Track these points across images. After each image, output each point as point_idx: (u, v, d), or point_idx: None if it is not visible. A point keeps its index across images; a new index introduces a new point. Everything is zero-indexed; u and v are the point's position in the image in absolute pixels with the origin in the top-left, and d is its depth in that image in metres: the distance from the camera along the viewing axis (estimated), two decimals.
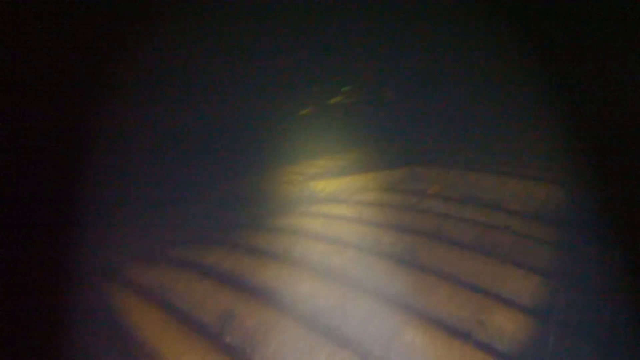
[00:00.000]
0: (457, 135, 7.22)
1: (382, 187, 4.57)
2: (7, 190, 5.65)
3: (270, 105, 8.64)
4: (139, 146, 6.73)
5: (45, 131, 6.32)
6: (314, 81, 9.27)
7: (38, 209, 5.36)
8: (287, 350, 2.56)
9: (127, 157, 6.15)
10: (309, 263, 3.24)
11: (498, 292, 2.73)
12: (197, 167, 6.92)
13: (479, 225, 3.51)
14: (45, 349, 3.11)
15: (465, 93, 8.60)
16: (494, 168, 4.50)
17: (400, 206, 4.01)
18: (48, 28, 6.54)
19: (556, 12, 8.06)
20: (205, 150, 7.45)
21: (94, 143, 5.95)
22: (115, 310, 3.14)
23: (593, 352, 2.22)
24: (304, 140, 7.93)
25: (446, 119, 8.42)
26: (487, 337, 2.42)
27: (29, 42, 6.53)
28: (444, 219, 3.62)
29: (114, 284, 3.48)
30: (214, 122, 8.02)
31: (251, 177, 6.26)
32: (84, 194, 5.11)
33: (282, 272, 3.12)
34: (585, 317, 2.46)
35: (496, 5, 8.21)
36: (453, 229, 3.45)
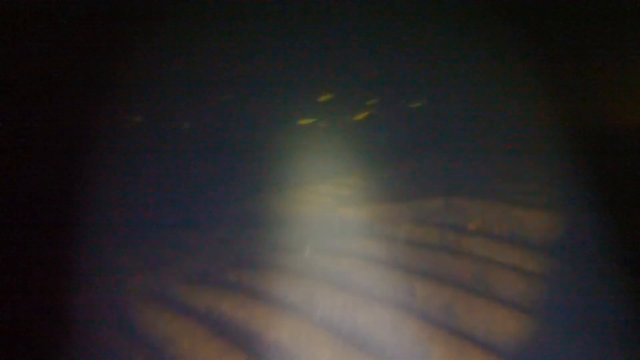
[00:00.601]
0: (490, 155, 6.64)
1: (417, 219, 4.18)
2: (7, 190, 5.66)
3: (263, 109, 8.39)
4: (138, 146, 6.73)
5: (45, 131, 6.32)
6: (328, 88, 8.80)
7: (38, 209, 5.36)
8: None
9: (127, 157, 6.14)
10: (331, 321, 2.89)
11: None
12: (201, 169, 6.86)
13: (527, 275, 3.07)
14: (46, 349, 3.11)
15: (488, 96, 8.42)
16: (537, 200, 4.06)
17: (436, 246, 3.61)
18: (48, 28, 6.54)
19: (556, 12, 8.05)
20: (207, 151, 7.39)
21: (94, 143, 5.95)
22: None
23: None
24: (328, 155, 7.50)
25: (476, 128, 8.06)
26: None
27: (29, 42, 6.53)
28: (486, 265, 3.18)
29: (117, 330, 3.15)
30: (215, 123, 7.99)
31: (272, 194, 5.90)
32: (84, 194, 5.10)
33: (300, 330, 2.80)
34: None
35: (496, 5, 8.20)
36: (497, 280, 3.02)
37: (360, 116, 8.68)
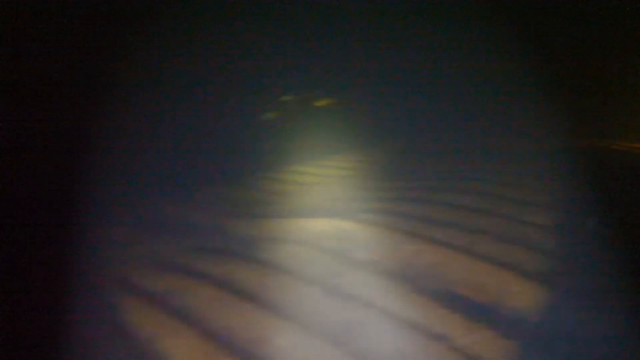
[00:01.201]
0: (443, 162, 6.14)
1: (301, 240, 3.69)
2: (7, 190, 5.65)
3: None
4: (139, 146, 6.73)
5: (45, 131, 6.31)
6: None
7: (38, 209, 5.36)
8: None
9: (127, 157, 6.14)
10: None
11: None
12: (192, 168, 6.83)
13: (408, 331, 2.48)
14: (46, 349, 3.10)
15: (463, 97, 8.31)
16: (442, 235, 3.48)
17: (311, 279, 3.04)
18: (48, 28, 6.53)
19: (556, 11, 8.04)
20: (201, 151, 7.34)
21: (94, 143, 5.95)
22: None
23: None
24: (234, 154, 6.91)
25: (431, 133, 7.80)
26: None
27: (29, 42, 6.53)
28: (364, 312, 2.61)
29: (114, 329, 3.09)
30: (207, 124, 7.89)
31: (166, 197, 5.43)
32: (84, 194, 5.10)
33: None
34: None
35: (496, 5, 8.19)
36: (370, 335, 2.44)
37: (272, 115, 7.40)
